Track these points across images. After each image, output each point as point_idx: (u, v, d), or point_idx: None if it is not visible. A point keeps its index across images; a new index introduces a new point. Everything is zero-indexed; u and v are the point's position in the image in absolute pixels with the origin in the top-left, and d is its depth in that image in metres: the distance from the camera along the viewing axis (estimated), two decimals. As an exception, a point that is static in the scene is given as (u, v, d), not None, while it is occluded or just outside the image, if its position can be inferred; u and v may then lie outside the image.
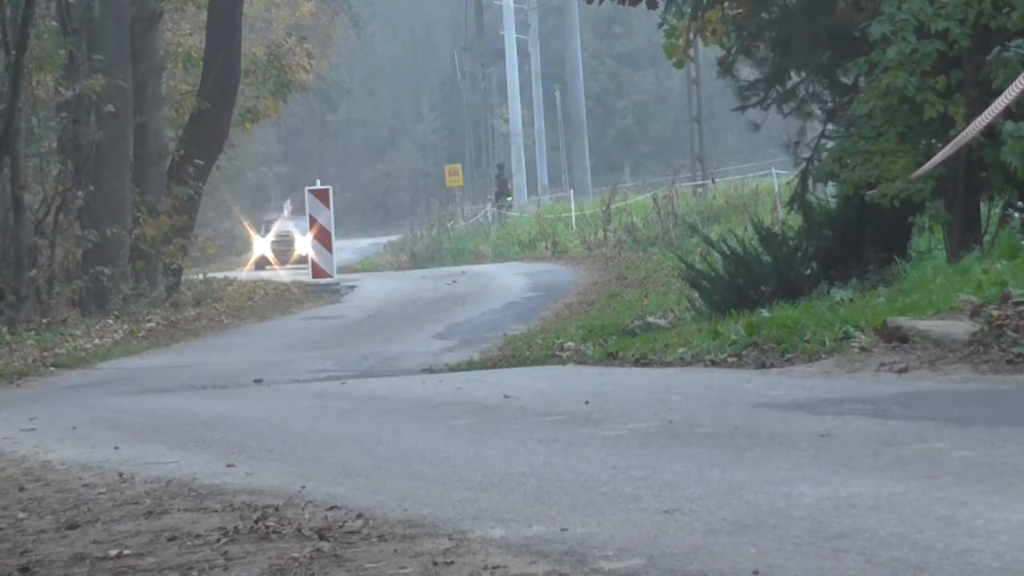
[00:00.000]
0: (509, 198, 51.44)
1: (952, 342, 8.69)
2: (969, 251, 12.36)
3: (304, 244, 45.17)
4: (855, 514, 4.49)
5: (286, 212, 51.58)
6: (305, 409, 9.86)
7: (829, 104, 15.47)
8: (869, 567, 3.85)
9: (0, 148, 19.84)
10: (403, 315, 22.11)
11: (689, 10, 15.53)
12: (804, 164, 15.31)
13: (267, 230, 47.33)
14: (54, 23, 22.54)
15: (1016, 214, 13.63)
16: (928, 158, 11.94)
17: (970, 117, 11.68)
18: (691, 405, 7.97)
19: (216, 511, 5.61)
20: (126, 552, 4.95)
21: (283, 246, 44.41)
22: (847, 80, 14.95)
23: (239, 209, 47.13)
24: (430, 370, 13.06)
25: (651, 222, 33.83)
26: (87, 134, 21.95)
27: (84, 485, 6.69)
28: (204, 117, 25.16)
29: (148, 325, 20.83)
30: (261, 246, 44.32)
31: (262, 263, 42.12)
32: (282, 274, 34.10)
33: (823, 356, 9.44)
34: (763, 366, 9.77)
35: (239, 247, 54.26)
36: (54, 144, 22.40)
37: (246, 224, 42.03)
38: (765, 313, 11.43)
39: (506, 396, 9.13)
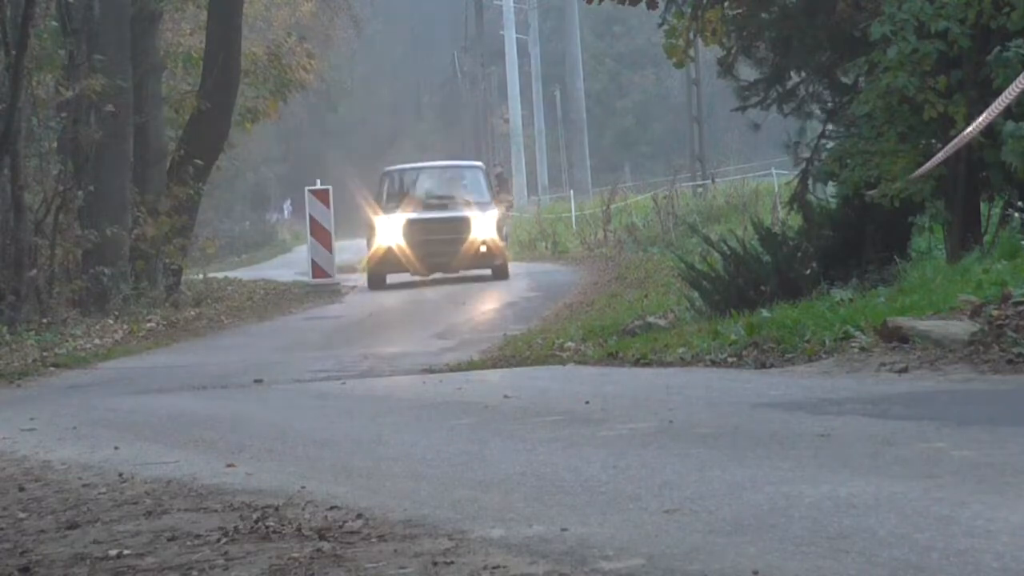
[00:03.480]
0: (511, 197, 51.38)
1: (952, 342, 8.69)
2: (969, 251, 12.36)
3: (488, 225, 26.13)
4: (855, 514, 4.49)
5: (286, 212, 50.64)
6: (305, 409, 9.86)
7: (829, 104, 15.47)
8: (869, 567, 3.85)
9: (0, 148, 19.84)
10: (403, 315, 22.09)
11: (689, 10, 15.53)
12: (804, 164, 15.31)
13: (392, 200, 26.56)
14: (54, 23, 22.52)
15: (1016, 214, 13.63)
16: (928, 158, 11.93)
17: (970, 117, 11.68)
18: (691, 405, 7.97)
19: (216, 511, 5.61)
20: (126, 552, 4.95)
21: (436, 233, 25.70)
22: (847, 80, 14.96)
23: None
24: (430, 370, 13.04)
25: (651, 222, 33.81)
26: (87, 134, 21.94)
27: (84, 485, 6.68)
28: (204, 117, 25.15)
29: (148, 325, 20.79)
30: (388, 232, 25.66)
31: (384, 266, 25.24)
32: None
33: (823, 356, 9.43)
34: (763, 366, 9.76)
35: (239, 247, 54.09)
36: (54, 144, 22.38)
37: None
38: (765, 313, 11.42)
39: (506, 396, 9.13)
